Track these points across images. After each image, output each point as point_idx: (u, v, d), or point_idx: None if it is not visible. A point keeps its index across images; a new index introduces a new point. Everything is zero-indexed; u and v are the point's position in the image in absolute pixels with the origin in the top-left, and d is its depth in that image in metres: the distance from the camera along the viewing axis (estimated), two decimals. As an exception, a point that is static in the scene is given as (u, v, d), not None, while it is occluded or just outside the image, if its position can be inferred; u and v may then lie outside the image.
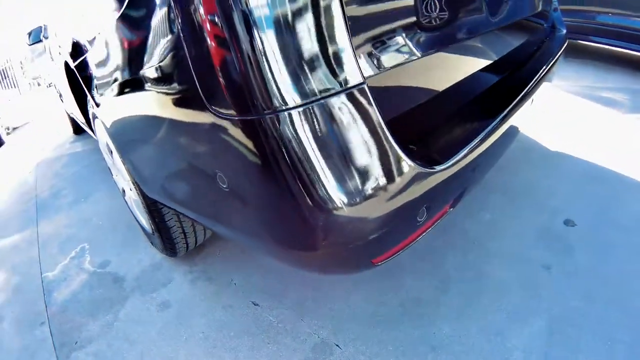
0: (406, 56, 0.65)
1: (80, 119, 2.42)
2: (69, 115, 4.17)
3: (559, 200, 1.51)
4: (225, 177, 0.61)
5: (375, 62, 0.58)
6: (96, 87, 1.11)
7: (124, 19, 0.71)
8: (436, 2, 0.76)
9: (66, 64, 1.60)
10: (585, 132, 2.02)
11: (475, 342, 1.03)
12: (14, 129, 7.68)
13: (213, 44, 0.49)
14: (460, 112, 0.84)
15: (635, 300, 1.09)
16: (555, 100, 2.47)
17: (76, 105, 1.95)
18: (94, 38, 0.93)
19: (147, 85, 0.71)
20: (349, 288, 1.25)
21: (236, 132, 0.53)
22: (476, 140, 0.71)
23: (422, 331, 1.08)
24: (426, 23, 0.71)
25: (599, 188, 1.56)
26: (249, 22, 0.46)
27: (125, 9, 0.68)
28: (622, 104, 2.27)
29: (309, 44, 0.49)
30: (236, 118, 0.51)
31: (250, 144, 0.52)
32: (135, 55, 0.71)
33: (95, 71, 1.03)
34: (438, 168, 0.60)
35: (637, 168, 1.64)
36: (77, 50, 1.23)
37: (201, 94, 0.54)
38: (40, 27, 3.27)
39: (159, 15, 0.58)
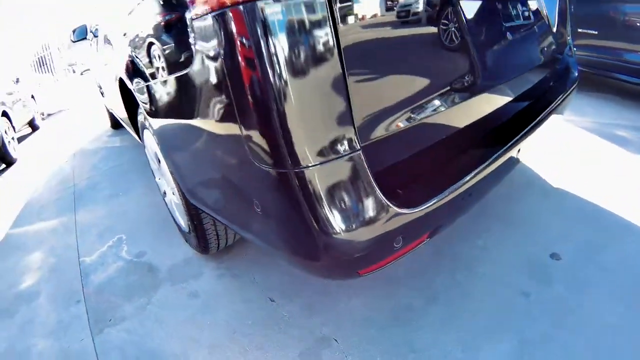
0: (399, 126, 0.95)
1: (121, 116, 2.74)
2: (108, 110, 4.51)
3: (551, 235, 1.74)
4: (260, 204, 0.94)
5: (370, 133, 0.89)
6: (155, 113, 1.43)
7: (191, 75, 1.01)
8: (431, 76, 1.05)
9: (121, 80, 1.93)
10: (592, 170, 2.22)
11: (451, 351, 1.30)
12: (49, 115, 8.28)
13: (258, 121, 0.81)
14: (445, 162, 1.13)
15: (604, 334, 1.28)
16: (568, 136, 2.68)
17: (124, 109, 2.24)
18: (159, 79, 1.24)
19: (203, 129, 1.04)
20: (352, 294, 1.56)
21: (271, 178, 0.85)
22: (449, 190, 1.00)
23: (407, 335, 1.36)
24: (423, 101, 1.00)
25: (592, 227, 1.77)
26: (283, 112, 0.78)
27: (191, 68, 0.99)
28: (635, 144, 2.44)
29: (323, 127, 0.82)
30: (272, 169, 0.83)
31: (280, 187, 0.85)
32: (196, 106, 1.03)
33: (157, 101, 1.35)
34: (410, 211, 0.90)
35: (633, 211, 1.83)
36: (137, 74, 1.53)
37: (247, 152, 0.87)
38: (85, 25, 3.68)
39: (220, 84, 0.89)
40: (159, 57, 1.21)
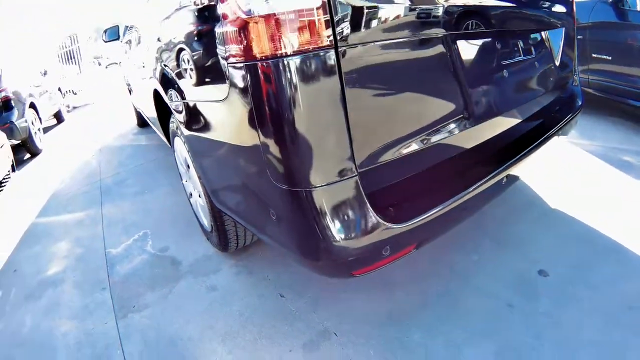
0: (392, 157, 1.21)
1: (150, 118, 3.03)
2: (135, 109, 4.83)
3: (542, 254, 1.95)
4: (275, 213, 1.21)
5: (366, 163, 1.15)
6: (189, 126, 1.71)
7: (226, 104, 1.28)
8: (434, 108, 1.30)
9: (155, 90, 2.22)
10: (592, 193, 2.41)
11: (437, 350, 1.54)
12: (74, 107, 8.75)
13: (278, 151, 1.08)
14: (434, 185, 1.37)
15: (582, 348, 1.44)
16: (573, 158, 2.88)
17: (155, 113, 2.53)
18: (197, 99, 1.52)
19: (232, 148, 1.33)
20: (354, 295, 1.82)
21: (286, 195, 1.13)
22: (435, 210, 1.25)
23: (399, 334, 1.61)
24: (416, 138, 1.26)
25: (583, 248, 1.96)
26: (298, 144, 1.05)
27: (227, 98, 1.26)
28: (638, 169, 2.62)
29: (329, 159, 1.09)
30: (287, 188, 1.10)
31: (292, 201, 1.12)
32: (228, 129, 1.31)
33: (192, 117, 1.63)
34: (396, 226, 1.15)
35: (627, 234, 2.01)
36: (173, 88, 1.80)
37: (268, 172, 1.14)
38: (117, 26, 4.00)
39: (248, 116, 1.16)
40: (197, 81, 1.48)
